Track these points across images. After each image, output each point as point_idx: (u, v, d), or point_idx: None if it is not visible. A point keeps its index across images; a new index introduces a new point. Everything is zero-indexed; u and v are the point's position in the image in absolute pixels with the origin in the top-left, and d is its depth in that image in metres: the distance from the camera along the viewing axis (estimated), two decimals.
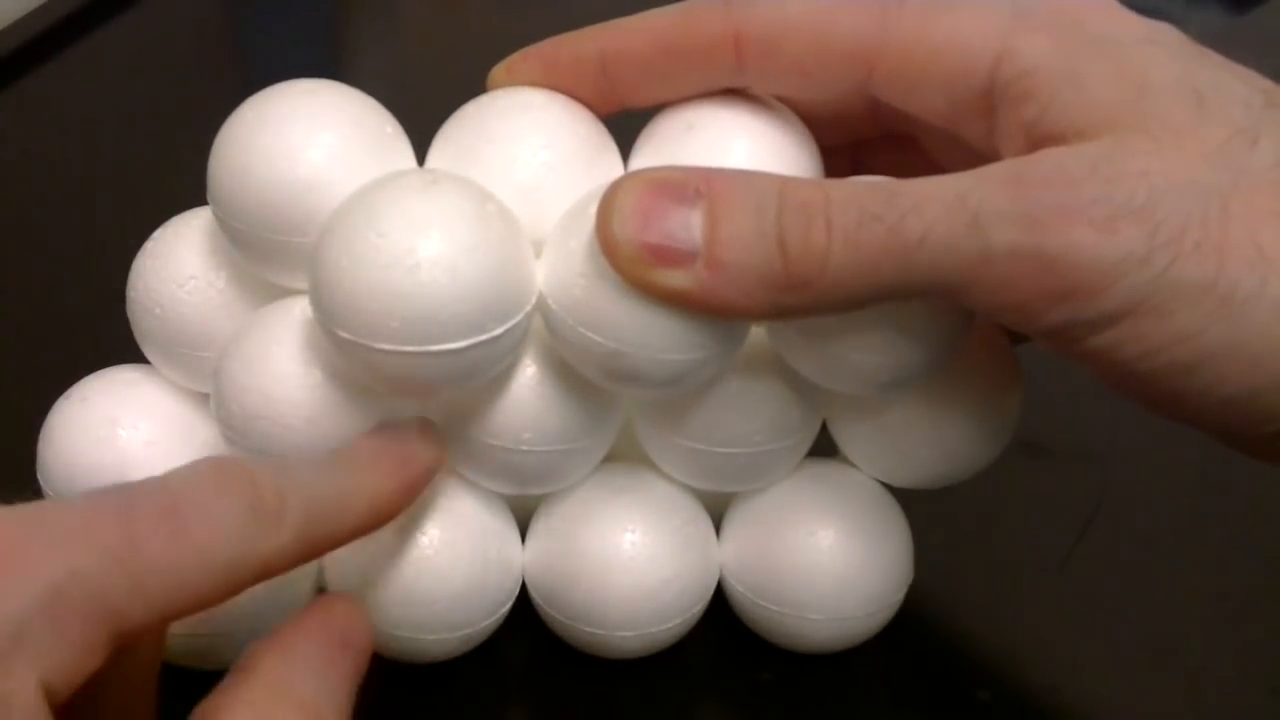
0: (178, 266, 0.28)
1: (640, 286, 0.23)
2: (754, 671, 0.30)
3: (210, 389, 0.27)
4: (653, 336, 0.24)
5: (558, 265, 0.24)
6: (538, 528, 0.29)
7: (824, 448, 0.30)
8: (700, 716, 0.31)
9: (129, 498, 0.20)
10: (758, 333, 0.26)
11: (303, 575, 0.28)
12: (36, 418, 0.29)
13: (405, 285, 0.23)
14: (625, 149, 0.28)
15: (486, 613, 0.28)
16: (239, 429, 0.26)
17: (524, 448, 0.26)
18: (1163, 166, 0.21)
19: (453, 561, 0.27)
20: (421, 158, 0.27)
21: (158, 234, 0.29)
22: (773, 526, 0.29)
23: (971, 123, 0.25)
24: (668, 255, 0.23)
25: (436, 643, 0.28)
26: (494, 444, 0.26)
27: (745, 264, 0.22)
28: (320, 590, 0.29)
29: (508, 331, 0.24)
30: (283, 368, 0.25)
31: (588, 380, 0.26)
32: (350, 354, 0.24)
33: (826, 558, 0.28)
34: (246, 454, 0.26)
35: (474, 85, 0.28)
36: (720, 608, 0.30)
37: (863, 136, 0.29)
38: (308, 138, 0.25)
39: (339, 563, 0.28)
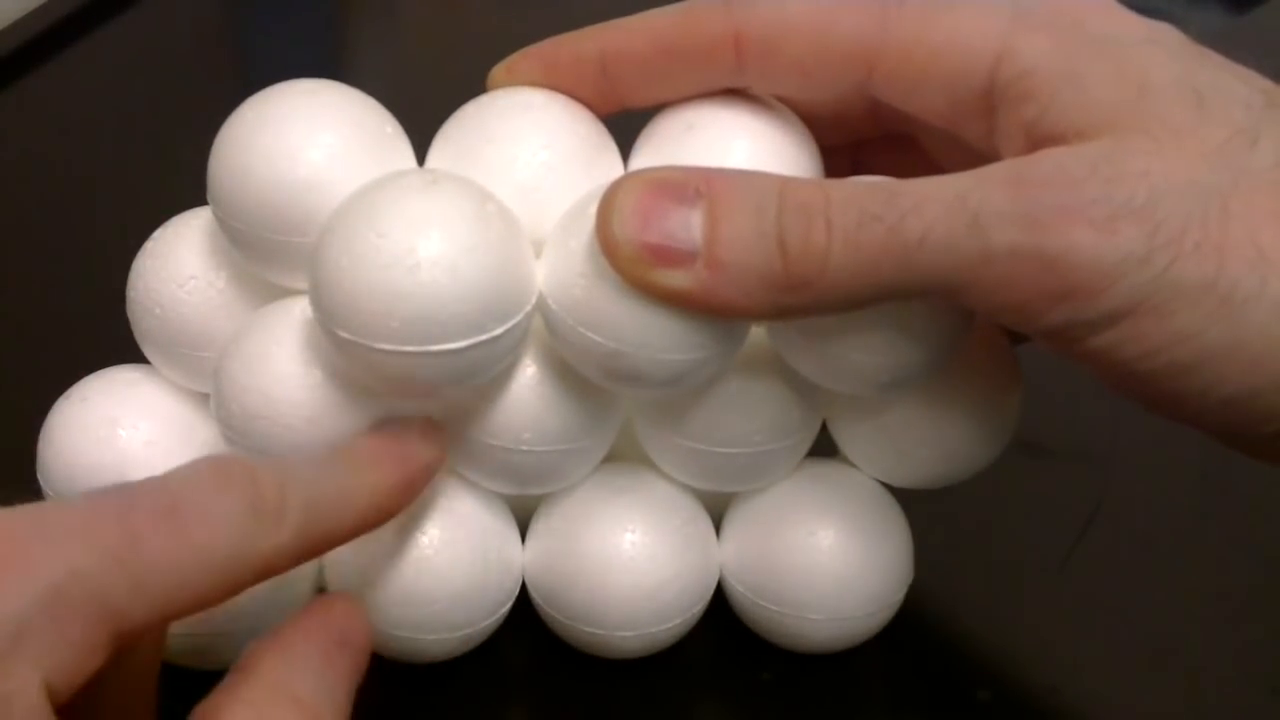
0: (178, 266, 0.28)
1: (640, 286, 0.23)
2: (754, 671, 0.30)
3: (210, 389, 0.27)
4: (653, 336, 0.24)
5: (558, 265, 0.24)
6: (538, 528, 0.29)
7: (824, 448, 0.30)
8: (700, 716, 0.31)
9: (129, 497, 0.20)
10: (758, 333, 0.26)
11: (303, 575, 0.28)
12: (36, 418, 0.29)
13: (405, 285, 0.23)
14: (625, 149, 0.28)
15: (486, 613, 0.28)
16: (239, 429, 0.26)
17: (524, 448, 0.26)
18: (1163, 167, 0.21)
19: (453, 561, 0.27)
20: (421, 158, 0.27)
21: (158, 234, 0.29)
22: (773, 526, 0.29)
23: (971, 123, 0.25)
24: (668, 255, 0.23)
25: (436, 643, 0.28)
26: (494, 444, 0.26)
27: (745, 264, 0.22)
28: (320, 590, 0.29)
29: (508, 331, 0.24)
30: (283, 368, 0.25)
31: (588, 380, 0.26)
32: (350, 354, 0.24)
33: (826, 558, 0.28)
34: (246, 454, 0.26)
35: (474, 85, 0.28)
36: (720, 608, 0.30)
37: (863, 136, 0.29)
38: (308, 138, 0.25)
39: (339, 563, 0.28)
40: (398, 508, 0.25)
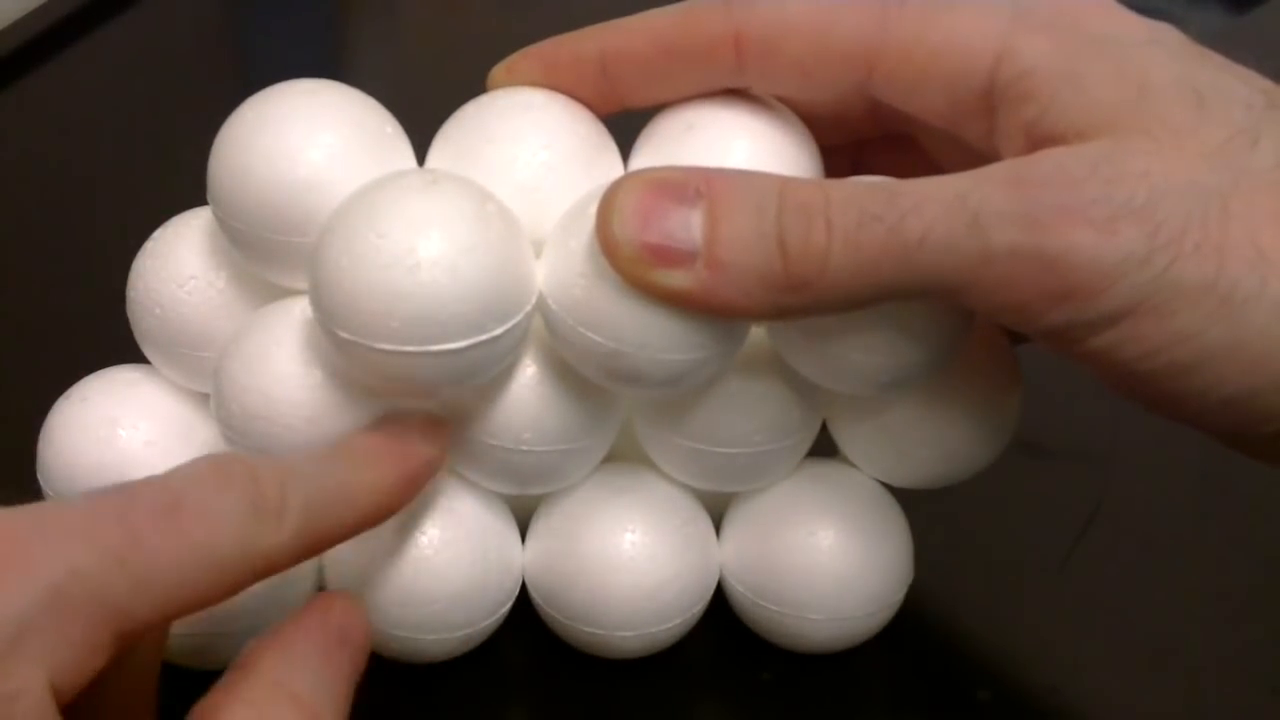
0: (178, 266, 0.28)
1: (640, 286, 0.23)
2: (754, 671, 0.30)
3: (210, 389, 0.27)
4: (653, 336, 0.24)
5: (558, 265, 0.24)
6: (538, 528, 0.29)
7: (824, 448, 0.30)
8: (700, 716, 0.31)
9: (130, 496, 0.20)
10: (758, 333, 0.26)
11: (302, 575, 0.28)
12: (36, 418, 0.29)
13: (405, 285, 0.23)
14: (625, 149, 0.28)
15: (486, 613, 0.28)
16: (239, 429, 0.26)
17: (524, 448, 0.26)
18: (1163, 167, 0.21)
19: (452, 561, 0.27)
20: (421, 158, 0.27)
21: (158, 234, 0.29)
22: (773, 526, 0.29)
23: (971, 123, 0.25)
24: (668, 255, 0.23)
25: (436, 643, 0.28)
26: (494, 444, 0.27)
27: (745, 264, 0.22)
28: (320, 590, 0.29)
29: (508, 331, 0.24)
30: (283, 368, 0.25)
31: (588, 380, 0.26)
32: (350, 354, 0.24)
33: (826, 558, 0.28)
34: (246, 453, 0.26)
35: (474, 85, 0.28)
36: (720, 608, 0.30)
37: (863, 136, 0.29)
38: (308, 138, 0.25)
39: (339, 562, 0.28)
40: (398, 505, 0.25)
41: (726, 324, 0.24)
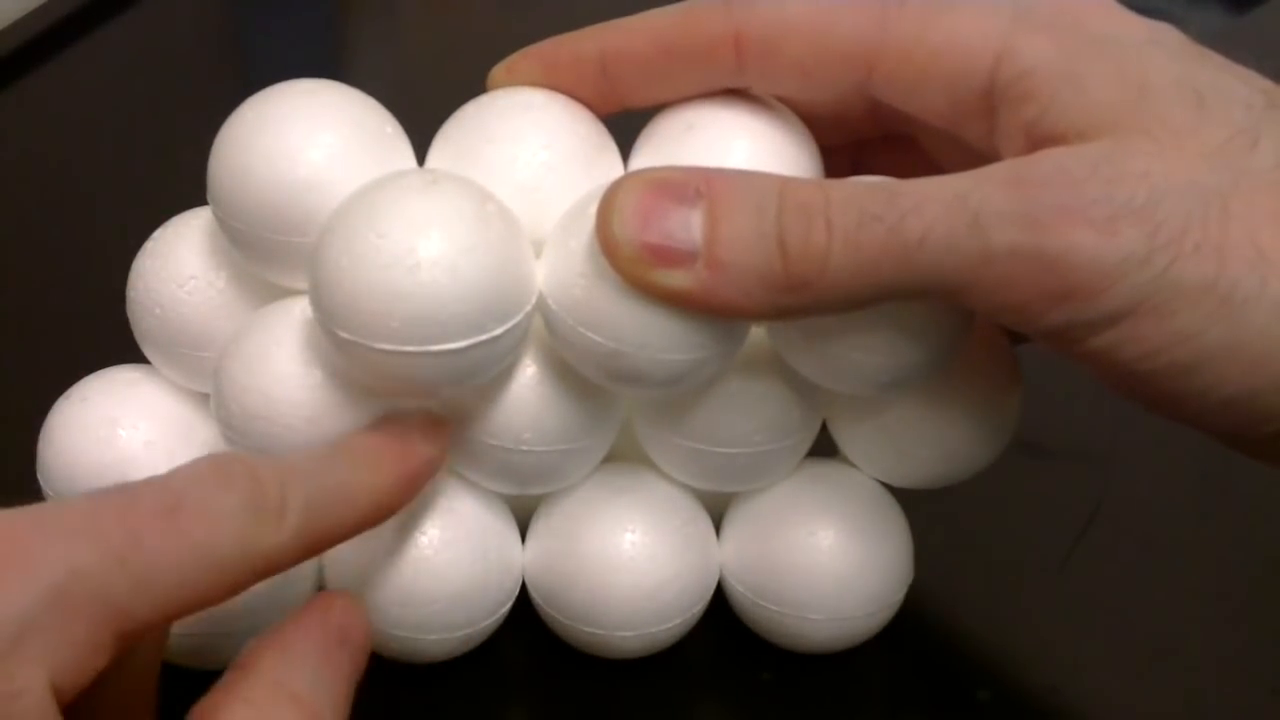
0: (178, 266, 0.28)
1: (640, 286, 0.23)
2: (754, 671, 0.30)
3: (210, 389, 0.27)
4: (653, 336, 0.24)
5: (558, 265, 0.24)
6: (538, 528, 0.29)
7: (824, 448, 0.30)
8: (700, 716, 0.31)
9: (130, 496, 0.20)
10: (758, 333, 0.26)
11: (302, 575, 0.28)
12: (36, 418, 0.29)
13: (405, 285, 0.23)
14: (625, 149, 0.28)
15: (486, 613, 0.28)
16: (239, 429, 0.26)
17: (524, 448, 0.26)
18: (1163, 167, 0.21)
19: (452, 561, 0.27)
20: (421, 158, 0.27)
21: (158, 234, 0.29)
22: (773, 526, 0.29)
23: (971, 123, 0.24)
24: (668, 255, 0.23)
25: (436, 643, 0.28)
26: (494, 444, 0.27)
27: (745, 264, 0.22)
28: (320, 590, 0.29)
29: (508, 331, 0.24)
30: (283, 368, 0.25)
31: (588, 380, 0.26)
32: (350, 354, 0.24)
33: (826, 558, 0.28)
34: (246, 453, 0.26)
35: (474, 85, 0.28)
36: (720, 608, 0.30)
37: (863, 136, 0.29)
38: (308, 138, 0.25)
39: (339, 562, 0.28)
40: (399, 504, 0.25)
41: (726, 324, 0.24)
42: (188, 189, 0.28)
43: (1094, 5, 0.24)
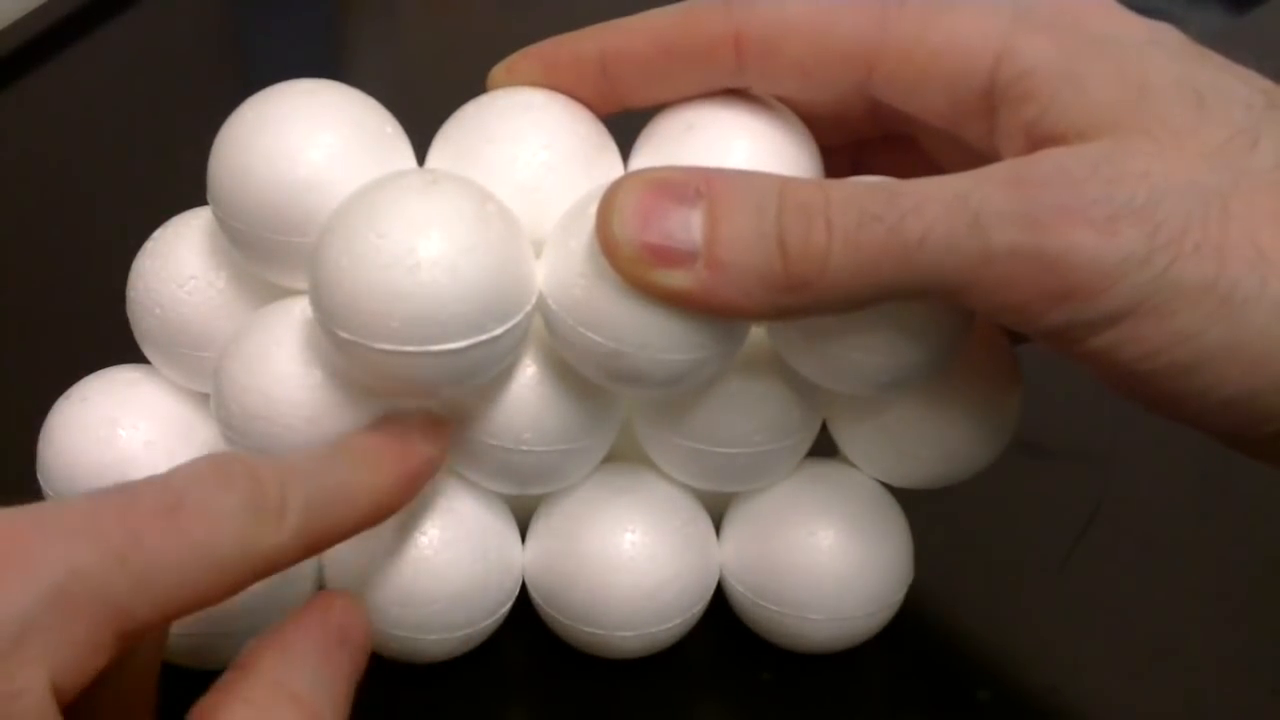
0: (178, 266, 0.28)
1: (640, 286, 0.23)
2: (754, 671, 0.30)
3: (210, 389, 0.27)
4: (653, 336, 0.24)
5: (558, 265, 0.24)
6: (538, 528, 0.29)
7: (824, 448, 0.30)
8: (700, 716, 0.31)
9: (131, 496, 0.20)
10: (758, 333, 0.26)
11: (302, 575, 0.28)
12: (36, 418, 0.29)
13: (405, 285, 0.23)
14: (625, 149, 0.28)
15: (486, 613, 0.28)
16: (239, 429, 0.26)
17: (524, 448, 0.26)
18: (1163, 167, 0.21)
19: (452, 561, 0.27)
20: (421, 158, 0.27)
21: (158, 234, 0.29)
22: (773, 526, 0.29)
23: (972, 123, 0.24)
24: (668, 255, 0.23)
25: (436, 643, 0.28)
26: (494, 444, 0.27)
27: (745, 264, 0.22)
28: (320, 590, 0.29)
29: (508, 331, 0.24)
30: (283, 368, 0.25)
31: (588, 380, 0.26)
32: (350, 354, 0.24)
33: (826, 558, 0.28)
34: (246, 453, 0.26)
35: (474, 85, 0.28)
36: (720, 608, 0.30)
37: (863, 136, 0.29)
38: (308, 138, 0.25)
39: (339, 562, 0.28)
40: (399, 504, 0.25)
41: (726, 324, 0.24)
42: (188, 189, 0.28)
43: (1094, 5, 0.24)
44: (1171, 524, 0.34)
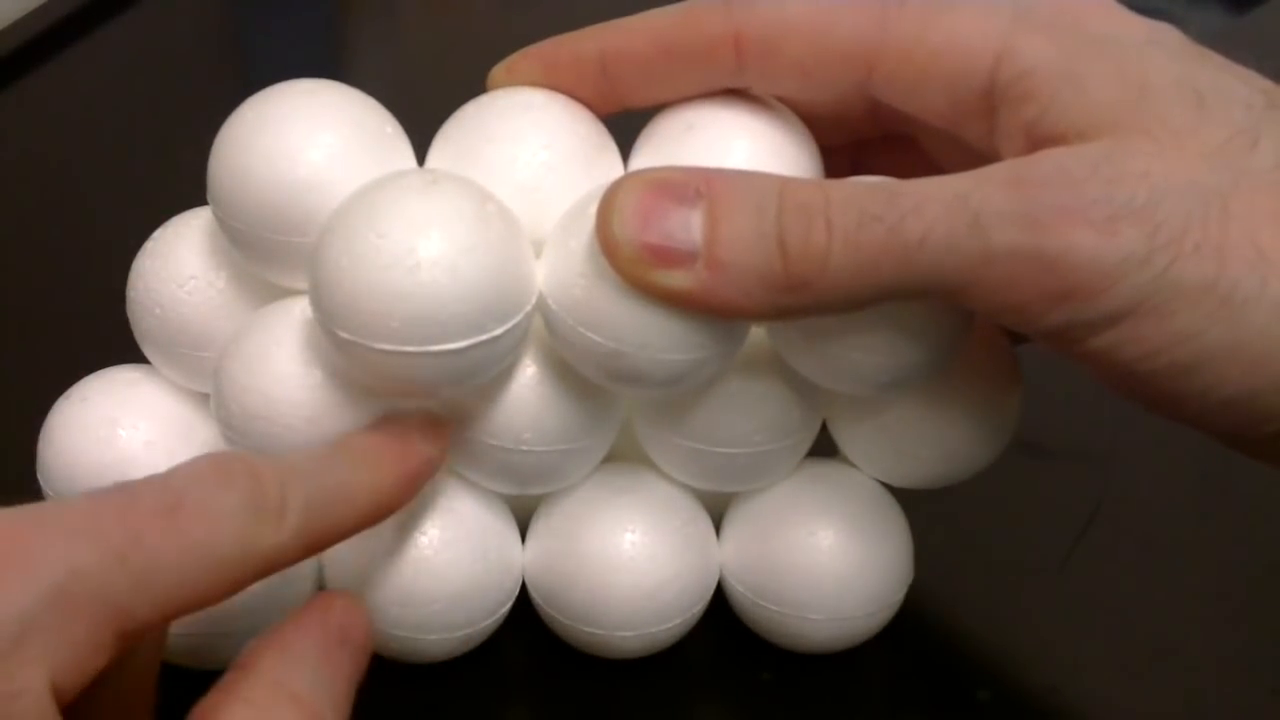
0: (178, 266, 0.28)
1: (640, 287, 0.23)
2: (754, 671, 0.30)
3: (210, 389, 0.27)
4: (653, 336, 0.24)
5: (558, 265, 0.24)
6: (538, 528, 0.29)
7: (824, 448, 0.30)
8: (700, 716, 0.31)
9: (131, 496, 0.20)
10: (758, 333, 0.26)
11: (302, 575, 0.28)
12: (36, 418, 0.29)
13: (405, 285, 0.23)
14: (625, 149, 0.28)
15: (486, 613, 0.28)
16: (239, 429, 0.26)
17: (524, 448, 0.26)
18: (1163, 167, 0.21)
19: (452, 561, 0.27)
20: (421, 158, 0.27)
21: (158, 234, 0.29)
22: (773, 526, 0.29)
23: (972, 123, 0.24)
24: (668, 255, 0.23)
25: (436, 643, 0.28)
26: (494, 444, 0.27)
27: (745, 264, 0.22)
28: (320, 590, 0.29)
29: (508, 331, 0.24)
30: (283, 368, 0.25)
31: (588, 380, 0.26)
32: (350, 354, 0.24)
33: (826, 558, 0.28)
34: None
35: (474, 85, 0.28)
36: (720, 608, 0.30)
37: (863, 136, 0.29)
38: (308, 138, 0.25)
39: (339, 562, 0.28)
40: (399, 504, 0.25)
41: (726, 324, 0.24)
42: (188, 189, 0.28)
43: (1094, 5, 0.24)
44: (1171, 524, 0.34)
